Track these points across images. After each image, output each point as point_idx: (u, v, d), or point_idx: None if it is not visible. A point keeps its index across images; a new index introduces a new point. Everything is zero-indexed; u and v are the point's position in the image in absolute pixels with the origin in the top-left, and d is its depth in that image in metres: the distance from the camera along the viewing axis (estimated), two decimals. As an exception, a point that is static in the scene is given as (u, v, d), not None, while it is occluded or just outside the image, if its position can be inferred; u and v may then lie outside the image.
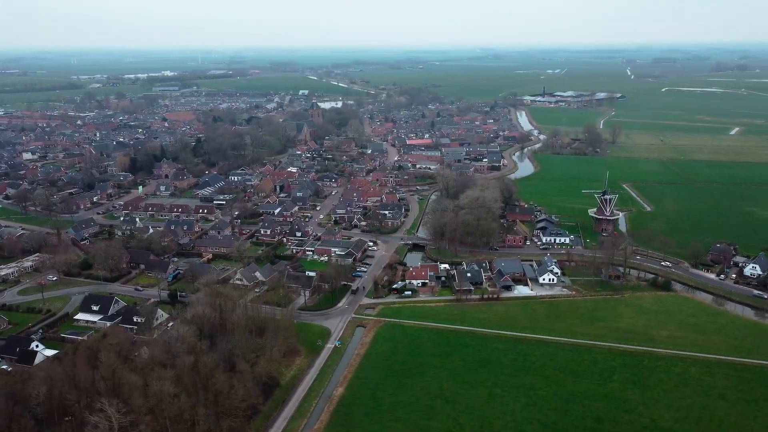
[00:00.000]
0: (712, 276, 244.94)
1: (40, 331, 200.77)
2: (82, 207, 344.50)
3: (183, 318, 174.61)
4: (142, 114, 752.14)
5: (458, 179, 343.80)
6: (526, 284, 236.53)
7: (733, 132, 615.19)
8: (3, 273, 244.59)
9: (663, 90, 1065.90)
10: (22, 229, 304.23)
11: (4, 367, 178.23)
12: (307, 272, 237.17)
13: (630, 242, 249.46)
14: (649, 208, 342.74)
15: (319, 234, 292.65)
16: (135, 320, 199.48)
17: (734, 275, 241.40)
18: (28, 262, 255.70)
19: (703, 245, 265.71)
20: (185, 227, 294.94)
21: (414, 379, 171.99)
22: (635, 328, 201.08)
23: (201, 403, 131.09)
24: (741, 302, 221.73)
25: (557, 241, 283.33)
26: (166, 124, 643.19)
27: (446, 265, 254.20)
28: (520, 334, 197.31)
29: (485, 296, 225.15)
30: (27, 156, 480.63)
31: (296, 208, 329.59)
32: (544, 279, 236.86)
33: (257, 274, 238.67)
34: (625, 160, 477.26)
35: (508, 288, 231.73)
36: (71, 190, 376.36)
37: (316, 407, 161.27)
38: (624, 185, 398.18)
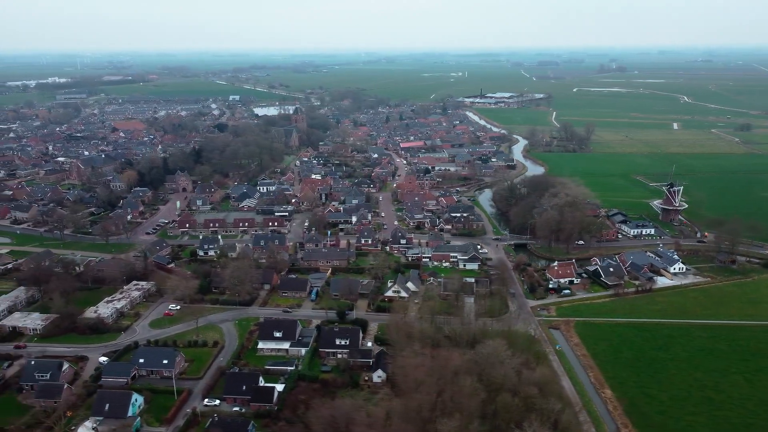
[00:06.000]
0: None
1: (233, 365, 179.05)
2: (121, 227, 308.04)
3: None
4: (80, 124, 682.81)
5: (535, 179, 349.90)
6: (660, 275, 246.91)
7: (675, 127, 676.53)
8: (119, 306, 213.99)
9: (575, 90, 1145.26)
10: (81, 256, 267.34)
11: (237, 408, 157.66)
12: (463, 279, 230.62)
13: (736, 229, 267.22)
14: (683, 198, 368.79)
15: (420, 240, 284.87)
16: (338, 343, 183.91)
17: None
18: (135, 292, 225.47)
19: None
20: (276, 242, 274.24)
21: (664, 374, 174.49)
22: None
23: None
24: None
25: (644, 232, 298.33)
26: (122, 134, 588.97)
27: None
28: (709, 322, 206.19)
29: (639, 289, 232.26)
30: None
31: (370, 215, 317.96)
32: (674, 269, 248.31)
33: (409, 284, 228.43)
34: (617, 155, 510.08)
35: (650, 279, 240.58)
36: (91, 209, 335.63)
37: (600, 411, 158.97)
38: (637, 178, 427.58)
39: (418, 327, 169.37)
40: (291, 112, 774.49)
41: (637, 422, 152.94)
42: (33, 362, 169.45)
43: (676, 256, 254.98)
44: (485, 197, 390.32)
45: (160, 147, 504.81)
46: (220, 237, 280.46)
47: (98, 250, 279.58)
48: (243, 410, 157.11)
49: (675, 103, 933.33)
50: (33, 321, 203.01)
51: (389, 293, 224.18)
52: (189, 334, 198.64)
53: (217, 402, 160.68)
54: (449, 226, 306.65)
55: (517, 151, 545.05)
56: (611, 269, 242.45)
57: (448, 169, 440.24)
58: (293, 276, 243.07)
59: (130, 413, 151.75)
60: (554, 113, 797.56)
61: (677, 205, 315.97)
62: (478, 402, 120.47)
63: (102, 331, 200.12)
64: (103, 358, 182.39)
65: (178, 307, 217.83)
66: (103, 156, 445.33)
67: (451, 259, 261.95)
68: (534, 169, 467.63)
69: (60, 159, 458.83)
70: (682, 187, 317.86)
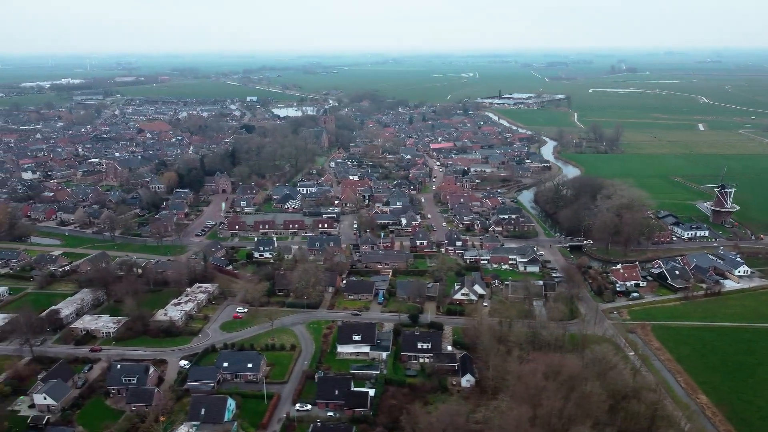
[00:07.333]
0: None
1: (317, 368, 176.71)
2: (170, 229, 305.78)
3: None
4: (104, 125, 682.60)
5: (581, 180, 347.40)
6: (726, 278, 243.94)
7: (701, 128, 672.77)
8: (187, 309, 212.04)
9: (590, 91, 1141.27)
10: (137, 258, 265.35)
11: (331, 413, 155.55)
12: (531, 281, 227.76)
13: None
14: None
15: (473, 242, 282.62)
16: (420, 347, 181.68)
17: None
18: (200, 294, 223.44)
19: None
20: (331, 243, 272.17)
21: (755, 379, 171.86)
22: None
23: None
24: None
25: (698, 234, 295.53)
26: (149, 135, 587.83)
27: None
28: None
29: (708, 292, 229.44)
30: (27, 175, 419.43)
31: (418, 217, 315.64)
32: (739, 272, 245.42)
33: (476, 287, 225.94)
34: (649, 156, 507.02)
35: (717, 282, 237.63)
36: (135, 211, 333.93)
37: (698, 418, 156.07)
38: (676, 179, 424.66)
39: (515, 331, 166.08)
40: (310, 112, 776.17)
41: (741, 429, 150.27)
42: (119, 366, 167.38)
43: (739, 259, 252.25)
44: (524, 198, 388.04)
45: (191, 148, 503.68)
46: (275, 239, 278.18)
47: (150, 252, 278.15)
48: (337, 415, 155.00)
49: (695, 103, 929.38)
50: (105, 324, 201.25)
51: (458, 296, 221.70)
52: (262, 338, 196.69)
53: (309, 407, 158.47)
54: (499, 228, 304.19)
55: (547, 152, 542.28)
56: (677, 272, 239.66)
57: (484, 171, 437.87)
58: (354, 278, 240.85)
59: (226, 418, 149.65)
60: (575, 114, 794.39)
61: (729, 206, 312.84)
62: (606, 408, 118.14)
63: (174, 334, 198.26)
64: (183, 362, 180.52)
65: (246, 309, 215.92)
66: (139, 157, 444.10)
67: (510, 262, 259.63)
68: (568, 171, 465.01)
69: (93, 160, 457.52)
70: (733, 189, 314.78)
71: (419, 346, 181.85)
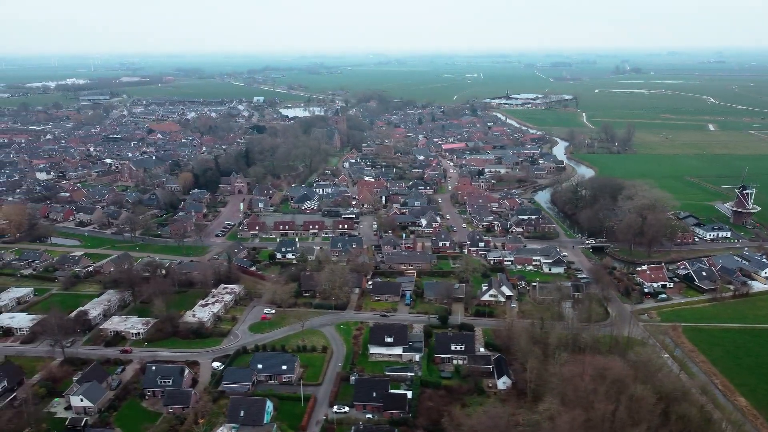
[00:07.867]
0: None
1: (351, 370, 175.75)
2: (189, 229, 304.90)
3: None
4: (113, 125, 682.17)
5: (599, 181, 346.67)
6: (752, 279, 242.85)
7: (712, 128, 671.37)
8: (215, 310, 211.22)
9: (596, 91, 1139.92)
10: (159, 258, 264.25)
11: (369, 416, 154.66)
12: (561, 283, 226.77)
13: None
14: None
15: (495, 243, 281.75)
16: (454, 348, 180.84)
17: None
18: (227, 295, 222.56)
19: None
20: (354, 245, 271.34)
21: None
22: None
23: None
24: None
25: (720, 235, 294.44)
26: (159, 136, 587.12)
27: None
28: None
29: (736, 293, 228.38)
30: (41, 176, 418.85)
31: (438, 218, 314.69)
32: (766, 273, 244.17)
33: (504, 288, 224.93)
34: (662, 157, 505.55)
35: (745, 284, 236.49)
36: (153, 211, 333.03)
37: (745, 422, 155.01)
38: (691, 179, 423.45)
39: (554, 333, 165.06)
40: (318, 113, 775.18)
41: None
42: (154, 367, 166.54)
43: (765, 260, 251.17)
44: (540, 199, 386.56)
45: (204, 149, 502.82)
46: (297, 240, 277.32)
47: (171, 253, 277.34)
48: (376, 417, 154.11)
49: (703, 104, 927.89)
50: (134, 325, 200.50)
51: (486, 297, 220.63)
52: (292, 339, 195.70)
53: (347, 409, 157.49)
54: (520, 229, 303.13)
55: (559, 152, 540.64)
56: (704, 273, 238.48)
57: (498, 171, 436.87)
58: (380, 279, 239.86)
59: (265, 420, 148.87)
60: (584, 114, 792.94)
61: (750, 207, 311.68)
62: (659, 412, 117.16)
63: (204, 335, 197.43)
64: (216, 364, 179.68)
65: (273, 311, 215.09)
66: (153, 158, 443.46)
67: (534, 263, 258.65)
68: (581, 171, 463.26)
69: (107, 161, 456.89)
70: (755, 190, 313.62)
71: (453, 347, 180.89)
